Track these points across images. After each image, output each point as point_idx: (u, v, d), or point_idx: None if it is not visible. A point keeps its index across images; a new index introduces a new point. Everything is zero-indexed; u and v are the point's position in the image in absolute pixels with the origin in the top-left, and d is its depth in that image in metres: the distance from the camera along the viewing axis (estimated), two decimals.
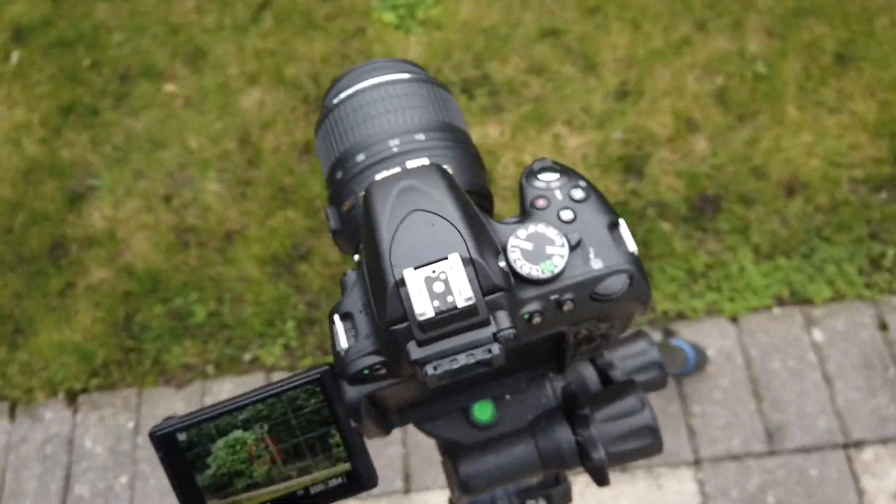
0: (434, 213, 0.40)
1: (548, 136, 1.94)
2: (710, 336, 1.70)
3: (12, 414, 1.70)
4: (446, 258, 0.38)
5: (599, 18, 2.09)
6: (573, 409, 0.52)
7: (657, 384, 0.64)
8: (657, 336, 1.70)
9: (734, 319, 1.72)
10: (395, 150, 0.50)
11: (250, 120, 2.03)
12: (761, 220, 1.79)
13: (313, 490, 0.48)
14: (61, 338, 1.77)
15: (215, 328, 1.77)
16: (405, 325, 0.38)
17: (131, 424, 1.67)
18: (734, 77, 1.97)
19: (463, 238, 0.39)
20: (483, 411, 0.54)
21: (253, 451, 0.47)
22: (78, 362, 1.74)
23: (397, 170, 0.49)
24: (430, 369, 0.38)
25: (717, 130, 1.91)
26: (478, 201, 0.50)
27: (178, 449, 0.47)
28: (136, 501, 1.59)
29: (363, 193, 0.44)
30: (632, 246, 0.44)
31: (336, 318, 0.43)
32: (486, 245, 0.40)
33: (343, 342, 0.42)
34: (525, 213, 0.45)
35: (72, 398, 1.71)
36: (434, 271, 0.38)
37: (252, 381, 1.71)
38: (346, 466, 0.48)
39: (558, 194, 0.45)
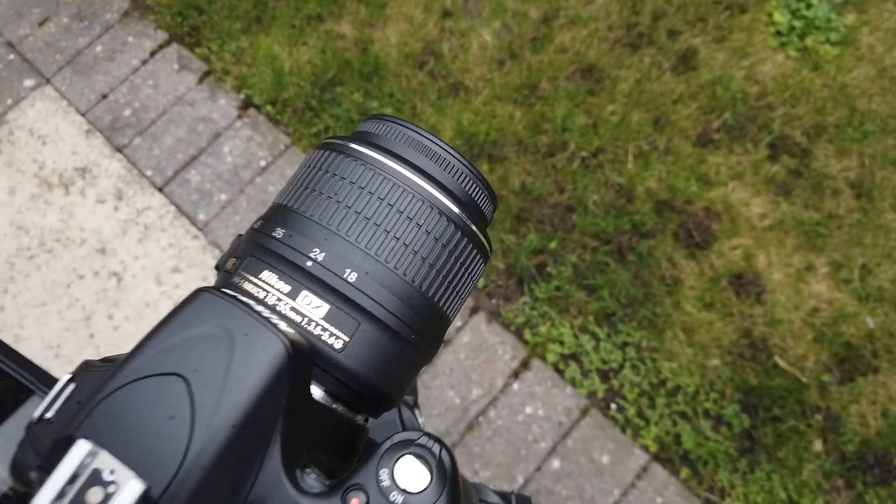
0: (192, 406, 0.27)
1: (801, 259, 1.58)
2: None
3: (202, 79, 1.83)
4: (135, 476, 0.26)
5: None
6: None
7: None
8: None
9: None
10: (308, 263, 0.34)
11: (569, 4, 1.83)
12: None
13: None
14: (279, 53, 1.82)
15: None
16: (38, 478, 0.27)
17: (263, 162, 1.74)
18: None
19: (180, 468, 0.26)
20: None
21: None
22: (272, 82, 1.80)
23: (286, 290, 0.34)
24: None
25: None
26: (348, 398, 0.35)
27: None
28: (218, 220, 1.69)
29: (196, 290, 0.31)
30: None
31: (67, 377, 0.32)
32: (216, 488, 0.27)
33: (41, 410, 0.32)
34: (338, 487, 0.30)
35: (245, 105, 1.80)
36: (111, 473, 0.26)
37: None
38: None
39: None
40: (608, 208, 1.64)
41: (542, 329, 1.57)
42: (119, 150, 1.77)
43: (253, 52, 1.83)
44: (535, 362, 1.54)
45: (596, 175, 1.67)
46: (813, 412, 1.50)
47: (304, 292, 0.34)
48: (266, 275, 0.35)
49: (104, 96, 1.82)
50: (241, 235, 0.39)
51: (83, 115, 1.81)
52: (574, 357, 1.55)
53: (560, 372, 1.54)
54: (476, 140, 1.71)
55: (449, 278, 0.36)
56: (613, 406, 1.52)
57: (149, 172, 1.74)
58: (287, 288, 0.34)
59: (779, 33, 1.76)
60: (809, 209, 1.62)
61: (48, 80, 1.86)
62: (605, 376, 1.54)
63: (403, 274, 0.35)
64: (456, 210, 0.37)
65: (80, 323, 1.61)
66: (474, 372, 1.54)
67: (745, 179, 1.64)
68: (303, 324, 0.33)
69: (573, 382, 1.53)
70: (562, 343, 1.56)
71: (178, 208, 1.69)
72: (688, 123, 1.70)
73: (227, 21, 1.89)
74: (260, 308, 0.31)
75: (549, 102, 1.73)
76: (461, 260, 0.37)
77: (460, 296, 0.38)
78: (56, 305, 1.63)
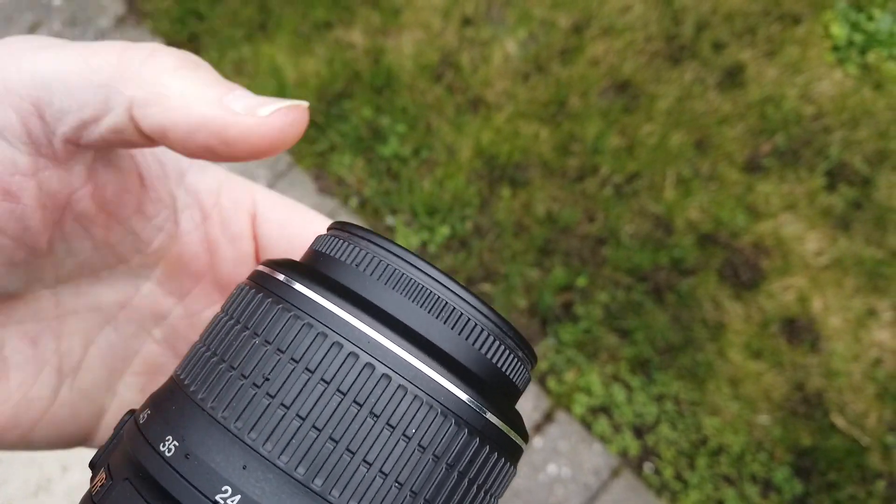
0: None
1: (862, 302, 1.41)
2: None
3: None
4: None
5: None
6: None
7: None
8: None
9: None
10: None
11: (603, 12, 1.67)
12: None
13: None
14: (283, 63, 1.68)
15: (393, 171, 1.58)
16: None
17: (262, 182, 1.59)
18: None
19: None
20: None
21: None
22: (274, 90, 1.65)
23: None
24: None
25: None
26: None
27: None
28: None
29: None
30: None
31: None
32: None
33: None
34: None
35: None
36: None
37: None
38: None
39: None
40: (644, 241, 1.47)
41: (569, 377, 1.40)
42: None
43: (255, 61, 1.69)
44: (560, 414, 1.38)
45: (630, 203, 1.50)
46: (874, 478, 1.32)
47: None
48: None
49: None
50: (131, 413, 0.25)
51: None
52: (604, 409, 1.39)
53: (588, 426, 1.38)
54: (497, 162, 1.55)
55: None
56: (648, 466, 1.35)
57: None
58: None
59: (836, 48, 1.59)
60: (871, 245, 1.44)
61: None
62: (638, 432, 1.37)
63: None
64: (464, 397, 0.22)
65: None
66: None
67: (798, 211, 1.47)
68: None
69: (603, 438, 1.37)
70: (590, 393, 1.39)
71: None
72: (734, 147, 1.53)
73: (228, 28, 1.75)
74: None
75: (578, 121, 1.56)
76: (478, 481, 0.22)
77: None
78: None
